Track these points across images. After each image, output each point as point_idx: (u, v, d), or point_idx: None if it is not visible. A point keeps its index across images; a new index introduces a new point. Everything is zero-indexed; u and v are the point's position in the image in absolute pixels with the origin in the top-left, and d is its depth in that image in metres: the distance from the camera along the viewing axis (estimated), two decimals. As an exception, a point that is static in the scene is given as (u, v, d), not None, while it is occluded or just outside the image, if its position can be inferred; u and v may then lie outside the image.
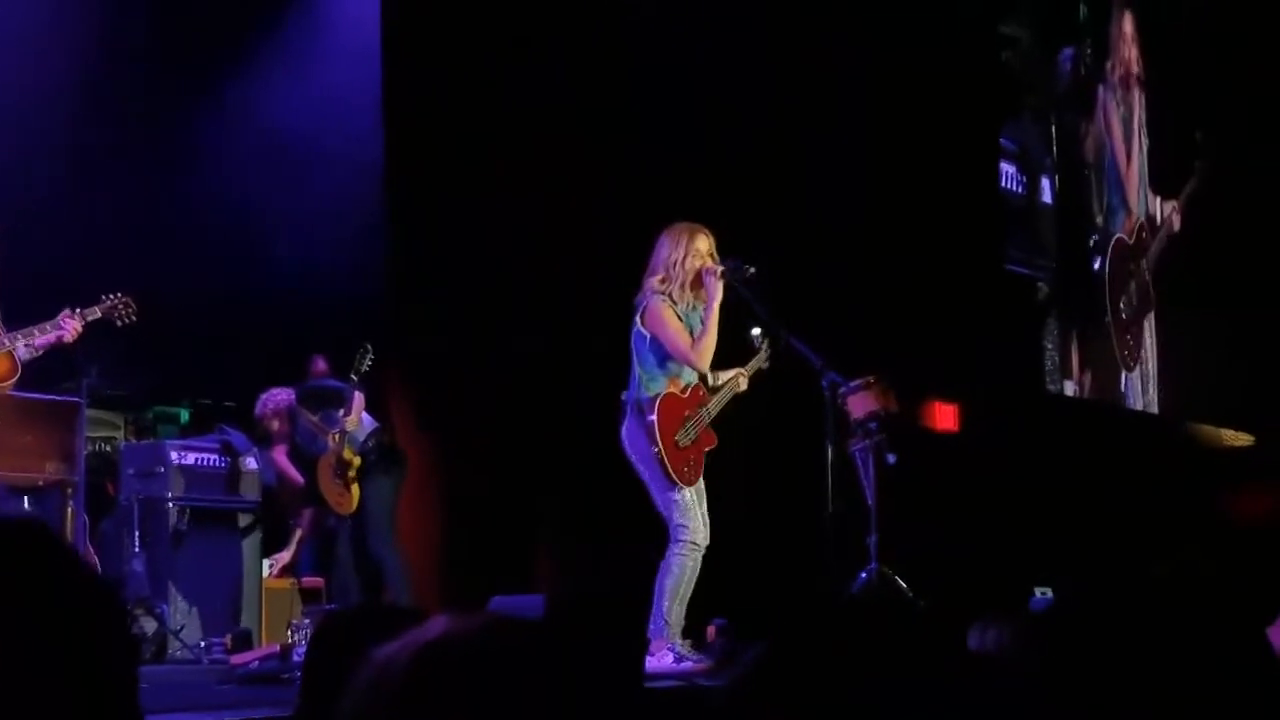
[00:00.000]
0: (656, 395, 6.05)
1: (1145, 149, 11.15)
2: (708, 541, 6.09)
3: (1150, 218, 11.10)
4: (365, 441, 7.52)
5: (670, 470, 5.99)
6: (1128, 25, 11.10)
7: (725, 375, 6.32)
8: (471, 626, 1.24)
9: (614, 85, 8.40)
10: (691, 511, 6.02)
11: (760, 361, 6.48)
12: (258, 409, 8.05)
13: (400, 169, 8.33)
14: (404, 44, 8.39)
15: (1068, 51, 10.42)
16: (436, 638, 1.23)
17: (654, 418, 6.00)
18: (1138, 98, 11.06)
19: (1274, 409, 10.57)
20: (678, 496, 6.01)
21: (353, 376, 7.41)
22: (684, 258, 6.05)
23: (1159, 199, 11.17)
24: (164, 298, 7.66)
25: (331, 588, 7.60)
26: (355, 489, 7.46)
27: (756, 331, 6.49)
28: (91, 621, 1.30)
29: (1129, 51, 11.05)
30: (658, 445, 5.98)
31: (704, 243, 6.10)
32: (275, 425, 8.01)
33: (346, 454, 7.46)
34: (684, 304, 6.08)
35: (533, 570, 7.59)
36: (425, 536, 8.11)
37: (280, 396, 7.97)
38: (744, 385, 6.37)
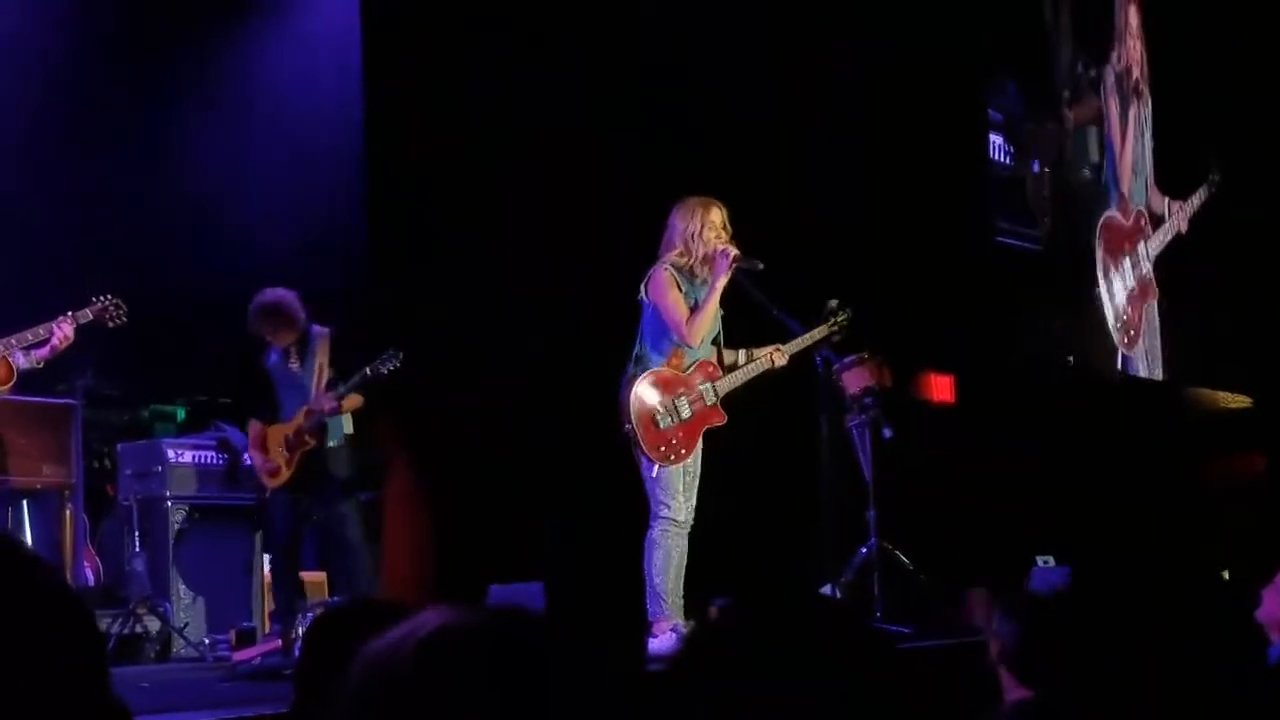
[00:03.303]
0: (641, 371, 6.05)
1: (1148, 145, 11.14)
2: (690, 522, 6.08)
3: (1151, 209, 11.10)
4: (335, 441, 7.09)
5: (643, 447, 5.97)
6: (1134, 18, 11.10)
7: (759, 352, 6.29)
8: (471, 619, 1.24)
9: (602, 66, 8.38)
10: (672, 488, 5.99)
11: (820, 335, 6.43)
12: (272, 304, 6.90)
13: (383, 157, 8.30)
14: (383, 31, 8.34)
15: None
16: (436, 630, 1.23)
17: (629, 395, 5.99)
18: (1139, 90, 11.06)
19: (1271, 372, 10.61)
20: (657, 473, 6.00)
21: (367, 371, 6.74)
22: (700, 229, 6.04)
23: (1165, 198, 11.16)
24: (156, 295, 7.66)
25: (336, 580, 7.42)
26: (292, 469, 6.85)
27: (834, 303, 6.48)
28: (52, 621, 1.31)
29: (1133, 43, 11.05)
30: (629, 422, 5.98)
31: (717, 214, 6.10)
32: (269, 331, 6.89)
33: (310, 436, 6.87)
34: (700, 277, 6.07)
35: (531, 557, 7.57)
36: (421, 525, 8.10)
37: (289, 299, 6.91)
38: (782, 362, 6.31)
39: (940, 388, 8.80)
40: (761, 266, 6.08)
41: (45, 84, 8.21)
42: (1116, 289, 10.61)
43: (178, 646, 7.18)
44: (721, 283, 6.01)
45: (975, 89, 9.67)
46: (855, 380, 6.72)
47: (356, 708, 1.22)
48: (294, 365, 6.93)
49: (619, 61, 8.39)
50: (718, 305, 6.07)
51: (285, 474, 6.88)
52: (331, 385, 6.88)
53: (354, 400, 6.94)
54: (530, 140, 8.19)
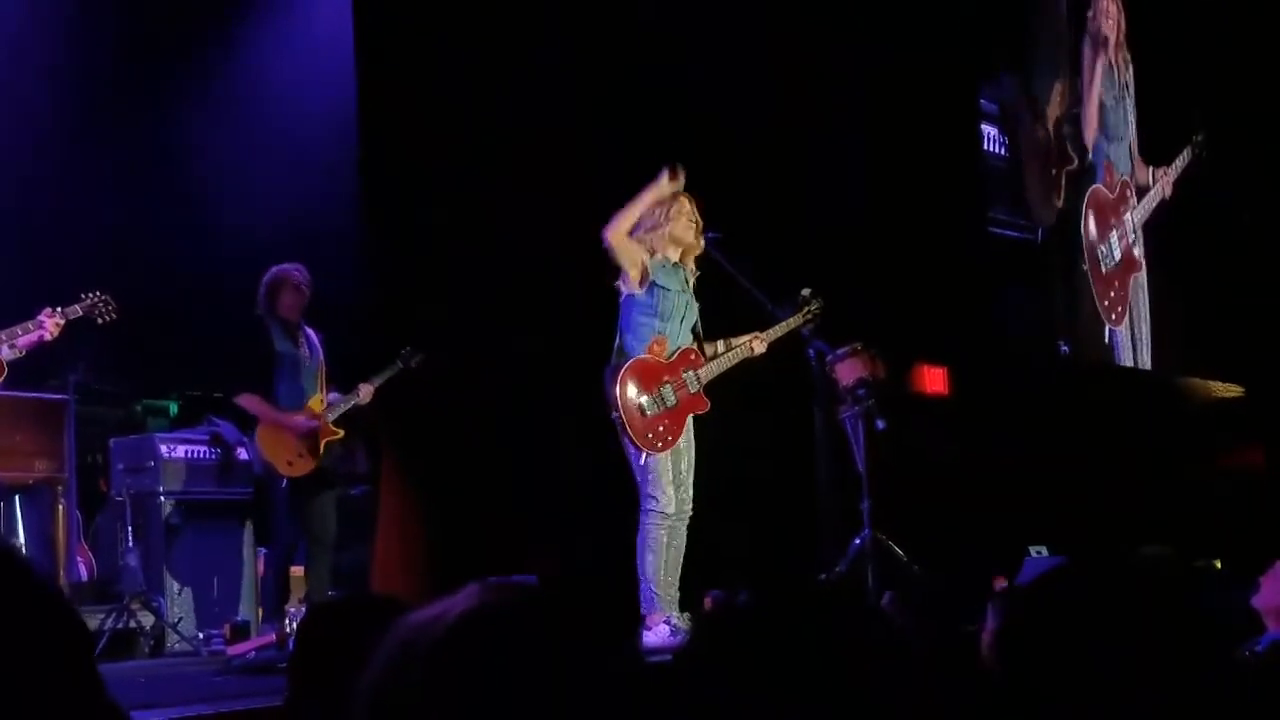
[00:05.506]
0: (624, 362, 6.09)
1: (1130, 111, 11.11)
2: (687, 512, 6.09)
3: (1136, 180, 11.07)
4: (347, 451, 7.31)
5: (631, 436, 6.00)
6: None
7: (736, 340, 6.36)
8: (506, 597, 1.25)
9: (600, 66, 8.36)
10: (661, 480, 6.01)
11: (795, 324, 6.48)
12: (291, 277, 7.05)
13: (379, 157, 8.27)
14: (378, 31, 8.32)
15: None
16: (471, 607, 1.23)
17: (615, 384, 6.03)
18: (1115, 52, 11.02)
19: (1262, 361, 10.62)
20: (645, 463, 6.01)
21: (399, 363, 7.18)
22: (669, 210, 6.15)
23: (1150, 167, 11.12)
24: (149, 291, 7.66)
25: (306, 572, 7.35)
26: (317, 459, 6.96)
27: (806, 291, 6.52)
28: (44, 626, 1.30)
29: (1109, 4, 11.01)
30: (617, 410, 6.02)
31: (687, 205, 6.22)
32: (282, 300, 7.01)
33: (329, 424, 7.03)
34: (660, 255, 6.13)
35: (524, 552, 7.57)
36: (415, 520, 8.10)
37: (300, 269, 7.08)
38: (760, 349, 6.38)
39: (933, 379, 8.81)
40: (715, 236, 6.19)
41: (45, 84, 8.20)
42: (1103, 261, 10.58)
43: (172, 641, 7.18)
44: (654, 187, 6.04)
45: (970, 82, 9.67)
46: (848, 372, 6.72)
47: (388, 679, 1.21)
48: (304, 353, 7.05)
49: (617, 61, 8.37)
50: (644, 210, 6.09)
51: (311, 462, 6.92)
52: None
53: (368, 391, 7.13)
54: (527, 140, 8.18)
